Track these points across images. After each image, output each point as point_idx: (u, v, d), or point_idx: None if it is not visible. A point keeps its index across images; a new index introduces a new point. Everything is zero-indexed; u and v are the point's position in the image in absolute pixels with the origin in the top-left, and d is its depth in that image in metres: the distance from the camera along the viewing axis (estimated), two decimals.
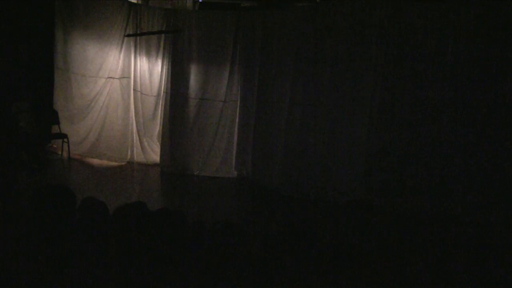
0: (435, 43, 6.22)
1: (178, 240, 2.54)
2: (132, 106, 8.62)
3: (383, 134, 6.57)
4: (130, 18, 8.36)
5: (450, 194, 6.20)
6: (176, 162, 8.27)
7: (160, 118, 8.58)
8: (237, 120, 8.28)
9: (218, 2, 9.05)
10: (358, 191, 6.74)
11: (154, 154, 8.70)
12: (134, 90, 8.59)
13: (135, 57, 8.52)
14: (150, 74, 8.59)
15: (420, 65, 6.31)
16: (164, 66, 8.43)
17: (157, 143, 8.67)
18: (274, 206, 6.93)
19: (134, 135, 8.72)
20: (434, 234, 5.58)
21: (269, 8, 8.20)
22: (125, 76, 8.53)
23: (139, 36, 8.29)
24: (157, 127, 8.71)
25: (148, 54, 8.51)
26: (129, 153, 8.69)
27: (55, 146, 8.90)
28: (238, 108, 8.25)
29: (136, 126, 8.69)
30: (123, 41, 8.41)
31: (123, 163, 8.55)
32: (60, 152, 8.68)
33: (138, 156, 8.71)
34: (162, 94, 8.50)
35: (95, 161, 8.54)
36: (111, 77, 8.54)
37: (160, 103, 8.56)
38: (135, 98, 8.60)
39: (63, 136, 8.53)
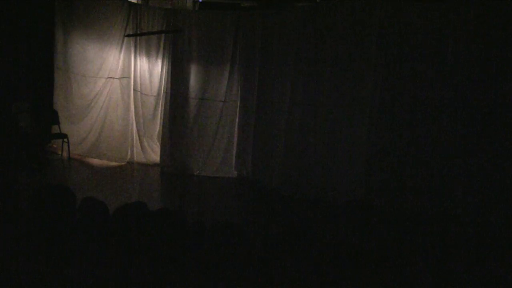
0: (435, 43, 6.22)
1: (178, 240, 2.54)
2: (132, 106, 8.62)
3: (383, 134, 6.57)
4: (130, 18, 8.36)
5: (450, 194, 6.20)
6: (176, 162, 8.27)
7: (160, 118, 8.58)
8: (237, 120, 8.28)
9: (218, 2, 9.05)
10: (358, 191, 6.74)
11: (154, 154, 8.70)
12: (134, 90, 8.59)
13: (135, 57, 8.52)
14: (150, 74, 8.59)
15: (420, 65, 6.30)
16: (164, 66, 8.43)
17: (157, 143, 8.67)
18: (274, 206, 6.93)
19: (134, 135, 8.72)
20: (434, 234, 5.58)
21: (269, 8, 8.20)
22: (125, 76, 8.53)
23: (140, 36, 8.29)
24: (157, 127, 8.71)
25: (148, 54, 8.51)
26: (129, 153, 8.69)
27: (55, 146, 8.90)
28: (238, 108, 8.25)
29: (136, 126, 8.69)
30: (123, 41, 8.41)
31: (123, 163, 8.54)
32: (60, 152, 8.68)
33: (138, 156, 8.71)
34: (162, 94, 8.50)
35: (95, 161, 8.54)
36: (111, 77, 8.54)
37: (160, 103, 8.56)
38: (135, 98, 8.60)
39: (63, 136, 8.53)
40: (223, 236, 2.56)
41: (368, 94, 6.65)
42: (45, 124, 8.64)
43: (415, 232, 5.70)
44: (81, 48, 8.55)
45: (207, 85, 8.20)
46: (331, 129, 6.98)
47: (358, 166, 6.76)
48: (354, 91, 6.77)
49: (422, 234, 5.58)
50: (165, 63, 8.42)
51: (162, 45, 8.42)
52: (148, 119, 8.68)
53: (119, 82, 8.55)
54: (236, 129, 8.29)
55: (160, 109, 8.60)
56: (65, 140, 8.51)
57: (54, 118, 8.62)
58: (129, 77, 8.54)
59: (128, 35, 8.30)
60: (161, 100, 8.55)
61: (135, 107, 8.63)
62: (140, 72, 8.56)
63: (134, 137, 8.72)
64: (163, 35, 8.30)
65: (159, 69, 8.51)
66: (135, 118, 8.66)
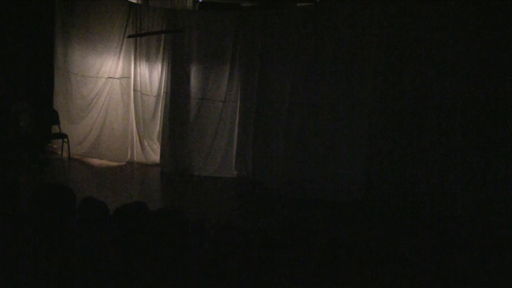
0: (435, 43, 6.22)
1: (178, 240, 2.54)
2: (132, 106, 8.61)
3: (383, 134, 6.57)
4: (130, 18, 8.35)
5: (450, 194, 6.20)
6: (176, 162, 8.27)
7: (160, 118, 8.57)
8: (237, 120, 8.27)
9: (218, 2, 9.06)
10: (358, 191, 6.74)
11: (154, 154, 8.70)
12: (134, 90, 8.59)
13: (135, 57, 8.51)
14: (150, 74, 8.59)
15: (420, 65, 6.30)
16: (164, 66, 8.43)
17: (157, 143, 8.67)
18: (274, 206, 6.93)
19: (134, 135, 8.72)
20: (434, 234, 5.58)
21: (269, 8, 8.20)
22: (125, 76, 8.53)
23: (141, 36, 8.28)
24: (157, 127, 8.71)
25: (148, 54, 8.51)
26: (129, 153, 8.69)
27: (55, 146, 8.90)
28: (238, 108, 8.25)
29: (136, 126, 8.69)
30: (123, 41, 8.41)
31: (123, 163, 8.54)
32: (60, 152, 8.68)
33: (138, 156, 8.70)
34: (162, 94, 8.50)
35: (95, 161, 8.54)
36: (111, 77, 8.54)
37: (160, 103, 8.56)
38: (135, 98, 8.60)
39: (63, 136, 8.53)
40: (223, 236, 2.56)
41: (368, 94, 6.65)
42: (45, 124, 8.64)
43: (415, 232, 5.70)
44: (81, 48, 8.55)
45: (207, 85, 8.20)
46: (331, 129, 6.98)
47: (358, 166, 6.76)
48: (354, 91, 6.77)
49: (422, 234, 5.58)
50: (165, 63, 8.42)
51: (162, 45, 8.42)
52: (148, 119, 8.68)
53: (119, 82, 8.54)
54: (236, 129, 8.29)
55: (160, 109, 8.59)
56: (65, 140, 8.50)
57: (54, 118, 8.62)
58: (129, 77, 8.54)
59: (130, 36, 8.30)
60: (161, 100, 8.54)
61: (135, 107, 8.63)
62: (140, 72, 8.56)
63: (134, 137, 8.72)
64: (163, 35, 8.30)
65: (159, 69, 8.51)
66: (135, 118, 8.66)
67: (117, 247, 2.50)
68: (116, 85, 8.55)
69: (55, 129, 8.70)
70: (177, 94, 8.19)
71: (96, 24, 8.42)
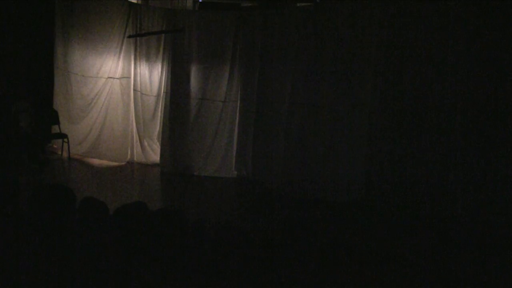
0: (435, 43, 6.22)
1: (178, 240, 2.54)
2: (132, 106, 8.61)
3: (383, 134, 6.57)
4: (130, 18, 8.35)
5: (450, 194, 6.20)
6: (176, 162, 8.26)
7: (160, 118, 8.57)
8: (237, 120, 8.27)
9: (218, 2, 9.06)
10: (358, 191, 6.74)
11: (154, 154, 8.70)
12: (134, 90, 8.59)
13: (135, 57, 8.51)
14: (150, 74, 8.59)
15: (420, 65, 6.30)
16: (164, 66, 8.43)
17: (157, 143, 8.67)
18: (274, 206, 6.93)
19: (134, 135, 8.71)
20: (434, 234, 5.58)
21: (269, 8, 8.20)
22: (125, 76, 8.53)
23: (142, 36, 8.28)
24: (157, 127, 8.71)
25: (148, 54, 8.51)
26: (129, 153, 8.69)
27: (55, 146, 8.90)
28: (238, 108, 8.25)
29: (136, 126, 8.68)
30: (123, 41, 8.41)
31: (123, 163, 8.54)
32: (60, 152, 8.69)
33: (138, 156, 8.70)
34: (162, 94, 8.50)
35: (95, 161, 8.54)
36: (111, 77, 8.54)
37: (160, 103, 8.56)
38: (135, 98, 8.60)
39: (63, 136, 8.53)
40: (223, 236, 2.57)
41: (368, 94, 6.65)
42: (45, 124, 8.65)
43: (415, 232, 5.71)
44: (81, 48, 8.55)
45: (207, 85, 8.20)
46: (331, 129, 6.97)
47: (358, 166, 6.76)
48: (354, 91, 6.77)
49: (422, 234, 5.58)
50: (165, 63, 8.41)
51: (162, 45, 8.41)
52: (148, 119, 8.68)
53: (119, 82, 8.54)
54: (236, 129, 8.28)
55: (160, 109, 8.59)
56: (65, 140, 8.51)
57: (54, 118, 8.63)
58: (129, 77, 8.54)
59: (130, 36, 8.29)
60: (161, 100, 8.54)
61: (135, 107, 8.63)
62: (140, 72, 8.55)
63: (134, 137, 8.72)
64: (163, 35, 8.30)
65: (159, 69, 8.51)
66: (135, 118, 8.66)
67: (117, 247, 2.50)
68: (116, 85, 8.55)
69: (55, 129, 8.70)
70: (177, 94, 8.19)
71: (96, 24, 8.42)
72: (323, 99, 7.02)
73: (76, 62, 8.61)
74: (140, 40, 8.42)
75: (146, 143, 8.72)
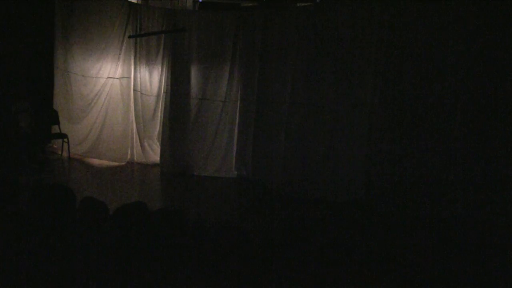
0: (435, 43, 6.21)
1: (178, 240, 2.54)
2: (132, 106, 8.62)
3: (383, 134, 6.57)
4: (130, 18, 8.35)
5: (450, 194, 6.20)
6: (176, 162, 8.27)
7: (160, 118, 8.57)
8: (237, 120, 8.27)
9: (218, 2, 9.06)
10: (358, 191, 6.74)
11: (154, 154, 8.70)
12: (134, 90, 8.59)
13: (135, 57, 8.51)
14: (150, 74, 8.59)
15: (420, 65, 6.30)
16: (164, 66, 8.43)
17: (157, 143, 8.67)
18: (274, 206, 6.93)
19: (134, 135, 8.72)
20: (434, 234, 5.58)
21: (269, 8, 8.20)
22: (125, 76, 8.53)
23: (143, 36, 8.28)
24: (157, 127, 8.71)
25: (148, 54, 8.51)
26: (129, 153, 8.69)
27: (55, 146, 8.90)
28: (238, 108, 8.25)
29: (136, 126, 8.69)
30: (123, 41, 8.41)
31: (123, 163, 8.54)
32: (60, 152, 8.69)
33: (138, 156, 8.71)
34: (162, 94, 8.50)
35: (95, 161, 8.54)
36: (111, 77, 8.54)
37: (160, 103, 8.56)
38: (135, 98, 8.60)
39: (63, 136, 8.53)
40: (223, 236, 2.56)
41: (368, 94, 6.64)
42: (45, 124, 8.65)
43: (415, 232, 5.70)
44: (81, 48, 8.56)
45: (207, 85, 8.20)
46: (331, 129, 6.97)
47: (358, 166, 6.76)
48: (354, 91, 6.77)
49: (422, 234, 5.58)
50: (165, 63, 8.42)
51: (162, 45, 8.41)
52: (148, 119, 8.68)
53: (119, 82, 8.54)
54: (236, 129, 8.29)
55: (160, 109, 8.59)
56: (65, 140, 8.51)
57: (54, 118, 8.63)
58: (129, 77, 8.54)
59: (131, 36, 8.29)
60: (161, 100, 8.54)
61: (135, 107, 8.63)
62: (140, 72, 8.56)
63: (134, 137, 8.72)
64: (163, 35, 8.30)
65: (159, 69, 8.51)
66: (135, 118, 8.66)
67: (117, 247, 2.50)
68: (116, 85, 8.55)
69: (55, 129, 8.71)
70: (177, 94, 8.19)
71: (96, 24, 8.42)
72: (323, 99, 7.02)
73: (76, 62, 8.61)
74: (140, 40, 8.42)
75: (146, 143, 8.72)
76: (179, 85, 8.18)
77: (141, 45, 8.47)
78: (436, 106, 6.27)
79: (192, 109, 8.23)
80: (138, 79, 8.57)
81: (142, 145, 8.69)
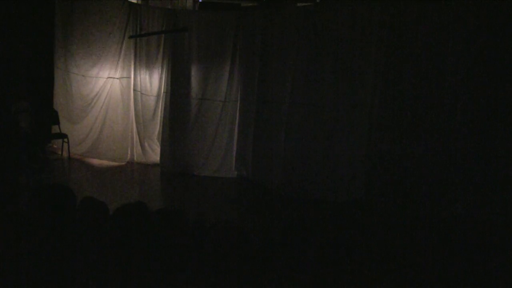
0: (435, 43, 6.22)
1: (178, 240, 2.53)
2: (132, 106, 8.62)
3: (383, 134, 6.57)
4: (130, 18, 8.36)
5: (450, 194, 6.20)
6: (176, 162, 8.27)
7: (160, 118, 8.57)
8: (237, 120, 8.27)
9: (218, 2, 9.06)
10: (358, 191, 6.74)
11: (154, 154, 8.70)
12: (134, 90, 8.59)
13: (135, 57, 8.52)
14: (150, 74, 8.59)
15: (420, 65, 6.30)
16: (164, 66, 8.43)
17: (157, 143, 8.67)
18: (274, 206, 6.93)
19: (134, 135, 8.72)
20: (434, 234, 5.58)
21: (269, 8, 8.20)
22: (125, 76, 8.53)
23: (143, 36, 8.28)
24: (157, 127, 8.71)
25: (148, 54, 8.51)
26: (129, 153, 8.69)
27: (55, 146, 8.91)
28: (238, 108, 8.25)
29: (136, 126, 8.69)
30: (123, 41, 8.41)
31: (123, 163, 8.54)
32: (60, 152, 8.69)
33: (138, 156, 8.71)
34: (162, 94, 8.50)
35: (95, 161, 8.54)
36: (111, 77, 8.54)
37: (160, 103, 8.56)
38: (135, 98, 8.60)
39: (63, 136, 8.54)
40: (223, 236, 2.56)
41: (368, 94, 6.65)
42: (45, 124, 8.65)
43: (415, 232, 5.70)
44: (81, 48, 8.56)
45: (207, 85, 8.20)
46: (331, 129, 6.98)
47: (358, 166, 6.76)
48: (354, 91, 6.77)
49: (422, 234, 5.58)
50: (165, 63, 8.42)
51: (162, 45, 8.42)
52: (148, 119, 8.68)
53: (119, 82, 8.55)
54: (236, 129, 8.29)
55: (160, 109, 8.59)
56: (65, 140, 8.51)
57: (54, 118, 8.63)
58: (129, 77, 8.54)
59: (131, 36, 8.29)
60: (161, 100, 8.54)
61: (135, 107, 8.63)
62: (140, 72, 8.56)
63: (134, 137, 8.72)
64: (163, 35, 8.30)
65: (159, 69, 8.51)
66: (135, 118, 8.66)
67: (117, 247, 2.50)
68: (116, 85, 8.56)
69: (55, 129, 8.71)
70: (177, 94, 8.19)
71: (96, 24, 8.42)
72: (323, 99, 7.02)
73: (76, 62, 8.61)
74: (140, 40, 8.42)
75: (146, 143, 8.72)
76: (179, 85, 8.18)
77: (141, 45, 8.47)
78: (436, 106, 6.27)
79: (192, 109, 8.23)
80: (138, 79, 8.57)
81: (142, 145, 8.69)
